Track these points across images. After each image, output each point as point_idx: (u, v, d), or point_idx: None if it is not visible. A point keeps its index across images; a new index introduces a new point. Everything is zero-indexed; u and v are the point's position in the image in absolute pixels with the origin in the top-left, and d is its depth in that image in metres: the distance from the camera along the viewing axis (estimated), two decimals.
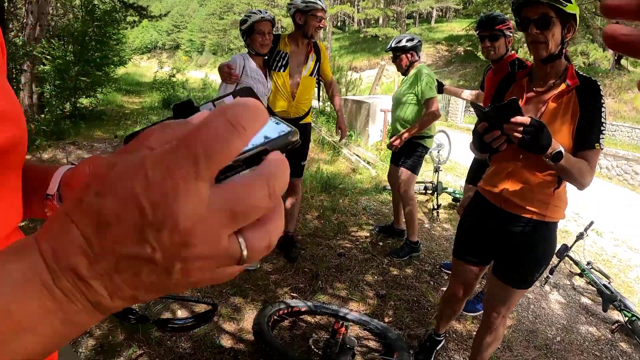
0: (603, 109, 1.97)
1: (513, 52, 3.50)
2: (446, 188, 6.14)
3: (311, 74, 3.84)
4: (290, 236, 4.24)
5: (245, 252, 0.32)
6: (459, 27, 34.00)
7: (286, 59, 3.73)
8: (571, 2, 1.92)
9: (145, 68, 35.82)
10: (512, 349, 3.20)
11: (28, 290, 0.31)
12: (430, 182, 6.08)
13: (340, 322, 2.78)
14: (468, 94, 4.30)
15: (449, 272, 4.08)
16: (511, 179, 2.17)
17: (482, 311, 2.77)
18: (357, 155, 7.99)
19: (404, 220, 4.57)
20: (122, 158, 0.32)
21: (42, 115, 8.28)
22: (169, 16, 61.48)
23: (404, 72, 4.27)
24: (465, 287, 2.56)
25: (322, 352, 2.71)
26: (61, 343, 0.34)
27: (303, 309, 3.23)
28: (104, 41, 10.27)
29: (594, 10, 18.88)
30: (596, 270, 4.26)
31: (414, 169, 4.26)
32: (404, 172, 4.24)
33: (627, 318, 3.62)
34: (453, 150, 7.92)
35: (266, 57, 3.70)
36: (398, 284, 3.86)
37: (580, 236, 4.30)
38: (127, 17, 14.52)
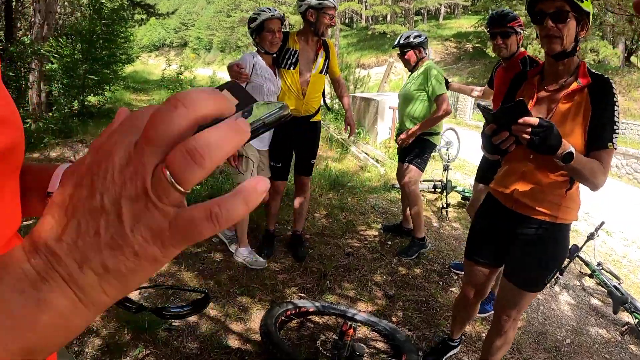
0: (616, 108, 1.92)
1: (523, 49, 3.47)
2: (455, 187, 6.07)
3: (321, 72, 3.81)
4: (299, 235, 4.22)
5: (167, 173, 0.33)
6: (467, 23, 33.84)
7: (296, 56, 3.69)
8: None
9: (153, 66, 35.93)
10: (521, 350, 3.15)
11: (6, 271, 0.34)
12: (440, 181, 6.03)
13: (349, 324, 2.76)
14: (478, 91, 4.27)
15: (458, 272, 4.04)
16: (522, 180, 2.14)
17: (492, 312, 2.73)
18: (366, 153, 7.95)
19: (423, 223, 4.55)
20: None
21: (50, 114, 8.30)
22: (176, 14, 61.56)
23: (412, 69, 4.24)
24: (477, 289, 2.53)
25: (329, 354, 2.68)
26: (52, 339, 0.35)
27: (311, 310, 3.20)
28: (112, 39, 10.28)
29: (604, 6, 18.68)
30: (606, 271, 4.19)
31: (421, 166, 4.24)
32: (410, 169, 4.21)
33: (637, 320, 3.56)
34: (462, 148, 7.85)
35: (275, 55, 3.67)
36: (407, 284, 3.82)
37: (590, 236, 4.23)
38: (135, 15, 14.56)
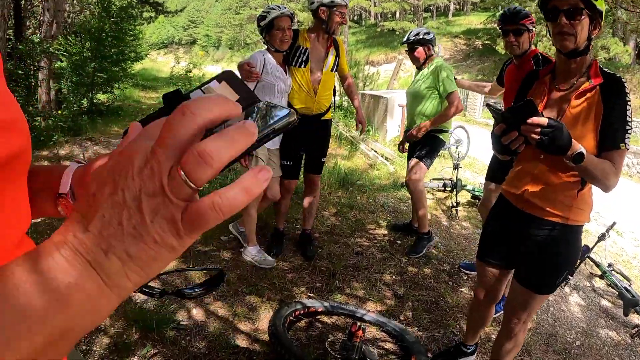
0: (628, 107, 1.88)
1: (534, 46, 3.44)
2: (465, 185, 6.03)
3: (332, 70, 3.80)
4: (308, 234, 4.20)
5: (182, 173, 0.37)
6: (476, 20, 33.62)
7: (306, 54, 3.67)
8: None
9: (162, 63, 35.99)
10: (531, 352, 3.12)
11: (38, 262, 0.37)
12: (449, 179, 5.99)
13: (358, 325, 2.74)
14: (487, 88, 4.25)
15: (468, 272, 4.01)
16: (533, 180, 2.11)
17: (502, 312, 2.69)
18: (375, 151, 7.92)
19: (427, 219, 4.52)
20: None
21: (60, 111, 8.32)
22: (185, 11, 61.74)
23: (420, 66, 4.20)
24: (490, 291, 2.50)
25: (338, 355, 2.66)
26: (82, 321, 0.38)
27: (320, 310, 3.18)
28: (121, 37, 10.29)
29: (617, 3, 18.50)
30: (617, 273, 4.15)
31: (428, 162, 4.22)
32: (417, 165, 4.19)
33: None
34: (471, 145, 7.79)
35: (285, 53, 3.64)
36: (416, 284, 3.79)
37: (602, 237, 4.18)
38: (144, 13, 14.58)
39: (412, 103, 4.28)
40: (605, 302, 3.94)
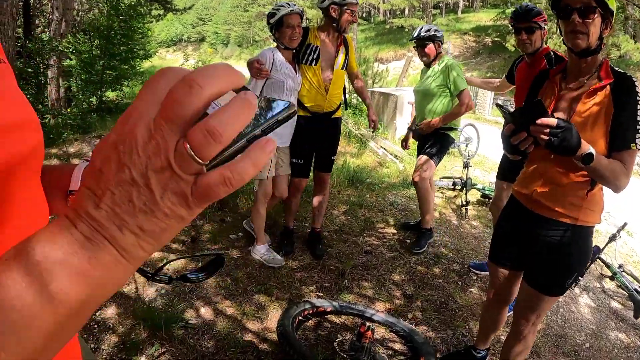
0: (639, 107, 1.86)
1: (546, 45, 3.42)
2: (475, 184, 5.98)
3: (342, 68, 3.79)
4: (317, 233, 4.18)
5: (188, 147, 0.37)
6: (486, 17, 33.36)
7: (317, 52, 3.66)
8: None
9: (171, 61, 36.15)
10: (540, 354, 3.08)
11: (57, 237, 0.38)
12: (459, 178, 5.94)
13: (367, 326, 2.72)
14: (496, 83, 4.23)
15: (478, 272, 3.98)
16: (542, 180, 2.10)
17: (512, 312, 2.66)
18: (384, 149, 7.88)
19: (432, 216, 4.49)
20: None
21: (69, 109, 8.39)
22: (193, 9, 61.83)
23: (429, 63, 4.16)
24: (501, 293, 2.48)
25: (347, 355, 2.65)
26: (102, 291, 0.40)
27: (328, 309, 3.16)
28: (129, 35, 10.33)
29: (632, 0, 18.31)
30: (628, 274, 4.10)
31: (436, 159, 4.19)
32: (426, 161, 4.17)
33: None
34: (481, 143, 7.74)
35: (295, 51, 3.63)
36: (425, 283, 3.77)
37: (612, 237, 4.13)
38: (152, 11, 14.62)
39: (421, 101, 4.24)
40: (615, 304, 3.89)
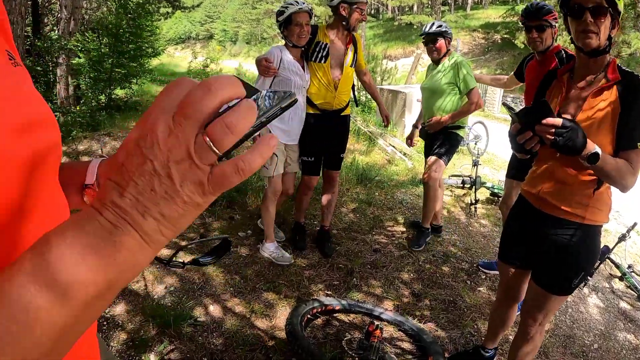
0: None
1: (557, 43, 3.40)
2: (485, 183, 5.94)
3: (351, 65, 3.79)
4: (326, 230, 4.18)
5: (208, 140, 0.43)
6: (495, 14, 33.12)
7: (326, 49, 3.66)
8: None
9: (179, 58, 36.18)
10: (548, 354, 3.06)
11: (85, 225, 0.43)
12: (469, 176, 5.91)
13: (375, 324, 2.71)
14: (505, 80, 4.21)
15: (487, 271, 3.96)
16: (549, 178, 2.11)
17: (519, 312, 2.65)
18: (393, 146, 7.85)
19: (441, 214, 4.47)
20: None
21: (78, 107, 8.40)
22: (201, 7, 61.79)
23: (438, 60, 4.13)
24: (510, 292, 2.48)
25: (355, 354, 2.64)
26: (126, 272, 0.44)
27: (337, 308, 3.16)
28: (138, 33, 10.31)
29: None
30: (637, 274, 4.07)
31: (446, 159, 4.18)
32: (435, 161, 4.15)
33: None
34: (491, 141, 7.69)
35: (304, 49, 3.63)
36: (434, 282, 3.75)
37: (622, 237, 4.10)
38: (160, 9, 14.65)
39: (429, 98, 4.21)
40: (624, 304, 3.85)
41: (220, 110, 0.45)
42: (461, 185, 6.02)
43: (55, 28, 9.75)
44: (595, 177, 1.97)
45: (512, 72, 3.99)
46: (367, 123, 8.68)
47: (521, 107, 1.83)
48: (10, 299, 0.39)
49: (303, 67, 3.62)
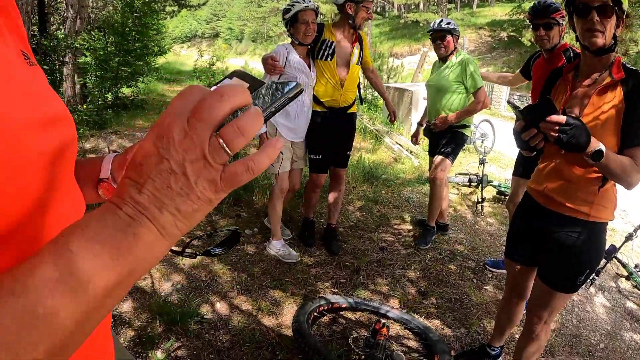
0: None
1: (564, 41, 3.39)
2: (491, 181, 5.92)
3: (357, 63, 3.80)
4: (333, 228, 4.18)
5: (221, 141, 0.47)
6: (501, 11, 32.99)
7: (332, 47, 3.67)
8: None
9: (185, 57, 36.20)
10: (554, 354, 3.05)
11: (106, 218, 0.46)
12: (475, 174, 5.89)
13: (382, 323, 2.71)
14: (510, 77, 4.20)
15: (493, 270, 3.94)
16: (553, 175, 2.11)
17: (524, 311, 2.65)
18: (400, 145, 7.83)
19: (447, 213, 4.46)
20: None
21: (85, 106, 8.42)
22: (207, 5, 61.87)
23: (445, 57, 4.10)
24: (516, 289, 2.48)
25: (361, 352, 2.64)
26: (143, 263, 0.47)
27: (343, 305, 3.16)
28: (144, 31, 10.35)
29: None
30: None
31: (452, 158, 4.17)
32: (442, 160, 4.14)
33: None
34: (497, 139, 7.67)
35: (310, 47, 3.63)
36: (440, 280, 3.74)
37: (629, 237, 4.07)
38: (166, 7, 14.66)
39: (435, 96, 4.19)
40: (630, 304, 3.82)
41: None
42: (468, 183, 6.00)
43: (61, 27, 9.78)
44: (600, 175, 1.97)
45: (519, 70, 3.97)
46: (374, 121, 8.67)
47: (526, 105, 1.84)
48: (36, 287, 0.41)
49: (309, 65, 3.62)
